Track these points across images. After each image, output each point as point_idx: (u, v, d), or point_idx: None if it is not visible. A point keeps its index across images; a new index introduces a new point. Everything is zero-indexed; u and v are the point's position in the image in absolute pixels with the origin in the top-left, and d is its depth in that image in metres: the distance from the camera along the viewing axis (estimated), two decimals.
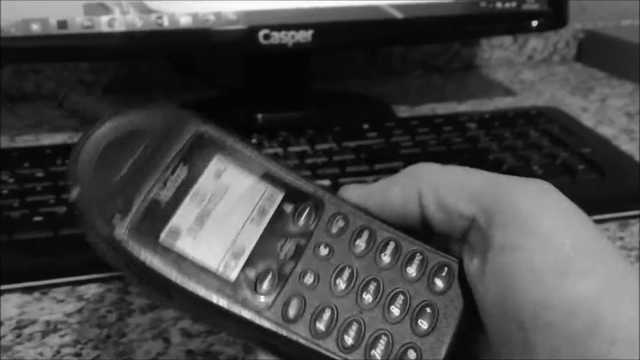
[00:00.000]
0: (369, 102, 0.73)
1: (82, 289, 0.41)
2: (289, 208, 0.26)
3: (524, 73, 0.84)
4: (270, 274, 0.25)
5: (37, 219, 0.44)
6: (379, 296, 0.25)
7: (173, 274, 0.24)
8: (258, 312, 0.24)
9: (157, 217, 0.24)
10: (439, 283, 0.26)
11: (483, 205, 0.24)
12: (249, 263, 0.25)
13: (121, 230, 0.24)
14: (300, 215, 0.26)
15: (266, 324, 0.24)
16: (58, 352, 0.36)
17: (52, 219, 0.44)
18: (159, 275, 0.24)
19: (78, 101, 0.29)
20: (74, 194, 0.24)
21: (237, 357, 0.35)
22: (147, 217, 0.24)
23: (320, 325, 0.24)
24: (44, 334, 0.37)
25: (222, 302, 0.24)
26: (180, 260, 0.24)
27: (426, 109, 0.71)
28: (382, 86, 0.79)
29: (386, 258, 0.26)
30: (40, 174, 0.49)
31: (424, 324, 0.25)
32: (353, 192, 0.28)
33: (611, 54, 0.84)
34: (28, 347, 0.36)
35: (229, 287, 0.24)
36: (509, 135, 0.57)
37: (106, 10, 0.55)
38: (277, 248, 0.25)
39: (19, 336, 0.37)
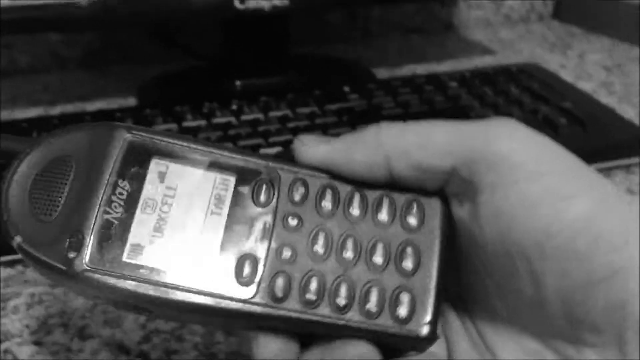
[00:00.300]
0: (349, 65, 0.72)
1: None
2: (245, 189, 0.25)
3: (502, 32, 0.84)
4: (247, 260, 0.24)
5: None
6: (358, 250, 0.25)
7: (149, 291, 0.23)
8: (245, 301, 0.24)
9: (113, 240, 0.23)
10: (412, 220, 0.26)
11: (461, 157, 0.24)
12: (222, 256, 0.24)
13: (81, 265, 0.23)
14: (258, 193, 0.25)
15: (257, 309, 0.24)
16: (44, 323, 0.35)
17: None
18: (135, 296, 0.23)
19: None
20: (16, 243, 0.23)
21: None
22: (102, 242, 0.23)
23: (310, 295, 0.24)
24: (29, 306, 0.37)
25: (207, 302, 0.23)
26: (151, 274, 0.23)
27: (406, 71, 0.71)
28: (362, 49, 0.78)
29: (355, 211, 0.26)
30: None
31: (408, 265, 0.25)
32: (311, 153, 0.26)
33: (588, 11, 0.84)
34: (14, 320, 0.36)
35: (210, 286, 0.24)
36: (490, 93, 0.57)
37: None
38: (246, 232, 0.25)
39: (3, 309, 0.36)
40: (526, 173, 0.24)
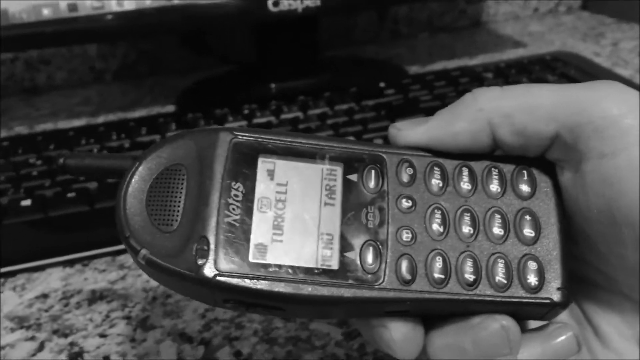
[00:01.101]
0: (381, 65, 0.73)
1: (121, 258, 0.41)
2: (354, 177, 0.25)
3: (531, 25, 0.84)
4: (369, 247, 0.24)
5: (71, 195, 0.44)
6: (476, 224, 0.25)
7: (281, 288, 0.23)
8: (375, 288, 0.24)
9: (237, 242, 0.24)
10: (525, 188, 0.25)
11: (566, 121, 0.24)
12: (343, 246, 0.24)
13: (212, 270, 0.23)
14: (368, 179, 0.25)
15: (389, 294, 0.24)
16: (107, 316, 0.36)
17: (85, 194, 0.44)
18: (268, 295, 0.23)
19: (81, 162, 0.27)
20: (143, 256, 0.23)
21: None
22: (228, 246, 0.23)
23: (438, 274, 0.24)
24: (91, 301, 0.38)
25: (338, 294, 0.23)
26: (280, 272, 0.23)
27: (438, 67, 0.71)
28: (392, 50, 0.78)
29: (465, 185, 0.25)
30: None
31: (530, 232, 0.25)
32: (411, 136, 0.26)
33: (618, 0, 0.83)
34: (77, 315, 0.37)
35: (337, 277, 0.24)
36: (527, 82, 0.57)
37: None
38: (362, 220, 0.25)
39: (66, 305, 0.37)
40: (636, 138, 0.22)
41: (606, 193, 0.23)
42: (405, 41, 0.82)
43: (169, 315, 0.36)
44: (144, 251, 0.23)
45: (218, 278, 0.23)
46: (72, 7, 0.55)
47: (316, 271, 0.24)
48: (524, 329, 0.25)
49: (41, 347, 0.34)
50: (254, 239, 0.24)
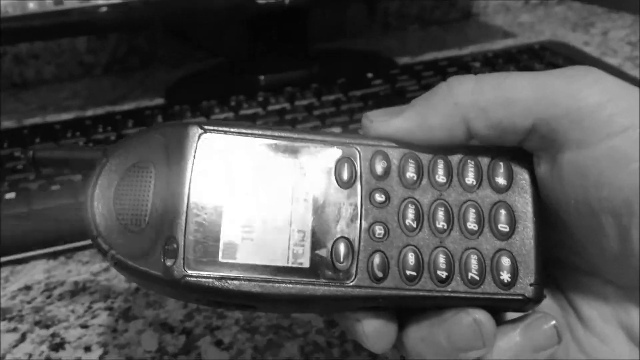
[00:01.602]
0: (371, 56, 0.73)
1: None
2: (326, 171, 0.25)
3: (522, 16, 0.84)
4: (341, 243, 0.24)
5: (55, 187, 0.44)
6: (451, 218, 0.24)
7: (251, 289, 0.23)
8: (347, 285, 0.23)
9: (206, 241, 0.23)
10: (501, 180, 0.25)
11: (542, 114, 0.23)
12: (315, 243, 0.24)
13: (180, 271, 0.22)
14: (340, 172, 0.25)
15: (359, 292, 0.23)
16: (90, 307, 0.36)
17: (69, 187, 0.44)
18: (238, 295, 0.23)
19: (50, 155, 0.27)
20: (111, 257, 0.23)
21: None
22: (197, 246, 0.23)
23: (410, 271, 0.24)
24: (73, 293, 0.37)
25: (309, 293, 0.23)
26: (250, 271, 0.23)
27: (427, 59, 0.71)
28: (382, 42, 0.78)
29: (440, 178, 0.25)
30: None
31: (504, 227, 0.24)
32: (383, 128, 0.25)
33: None
34: (59, 306, 0.36)
35: (308, 275, 0.23)
36: (515, 71, 0.57)
37: None
38: (335, 215, 0.24)
39: (49, 297, 0.37)
40: (616, 127, 0.22)
41: (584, 184, 0.23)
42: (395, 33, 0.82)
43: (152, 306, 0.36)
44: (112, 252, 0.23)
45: (187, 279, 0.23)
46: (58, 1, 0.55)
47: (287, 270, 0.23)
48: (502, 320, 0.25)
49: (23, 339, 0.34)
50: (224, 237, 0.23)
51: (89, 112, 0.64)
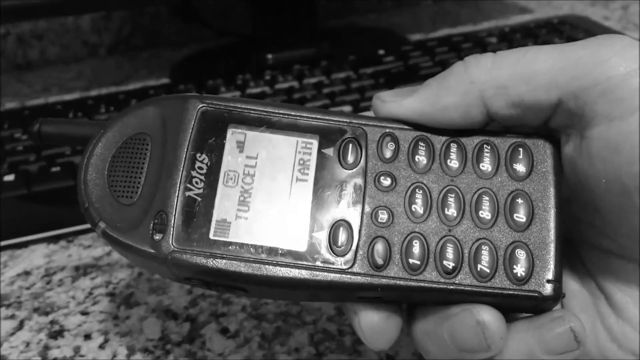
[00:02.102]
0: (382, 33, 0.70)
1: None
2: (330, 151, 0.23)
3: None
4: (341, 227, 0.22)
5: (55, 169, 0.42)
6: (462, 206, 0.23)
7: (241, 269, 0.22)
8: (343, 271, 0.22)
9: (198, 217, 0.22)
10: (520, 168, 0.23)
11: (568, 87, 0.21)
12: (312, 225, 0.22)
13: (168, 246, 0.22)
14: (344, 153, 0.23)
15: (357, 279, 0.22)
16: (90, 293, 0.35)
17: (70, 169, 0.42)
18: (227, 275, 0.22)
19: (55, 129, 0.26)
20: (100, 229, 0.22)
21: None
22: (187, 221, 0.22)
23: (414, 260, 0.22)
24: (74, 278, 0.36)
25: (302, 276, 0.22)
26: (241, 251, 0.22)
27: (441, 35, 0.69)
28: (394, 18, 0.76)
29: (453, 163, 0.23)
30: None
31: (520, 217, 0.22)
32: (395, 109, 0.24)
33: None
34: (59, 292, 0.35)
35: (303, 259, 0.22)
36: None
37: None
38: (336, 197, 0.23)
39: (48, 282, 0.36)
40: None
41: (616, 160, 0.21)
42: (407, 9, 0.79)
43: (155, 292, 0.34)
44: (101, 224, 0.22)
45: (174, 255, 0.22)
46: None
47: (281, 252, 0.22)
48: (514, 317, 0.23)
49: (21, 326, 0.33)
50: (217, 214, 0.22)
51: (94, 93, 0.63)
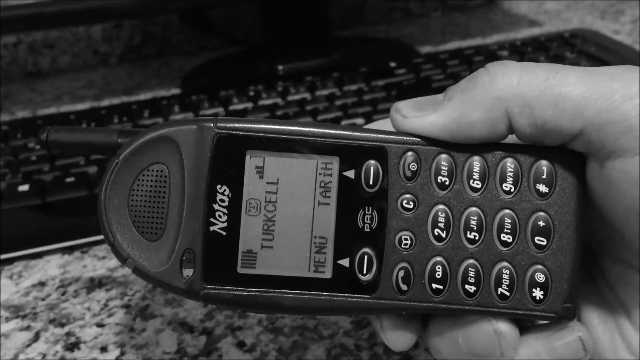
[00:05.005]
0: (392, 44, 0.71)
1: None
2: (351, 173, 0.23)
3: (548, 3, 0.81)
4: (366, 254, 0.23)
5: (69, 180, 0.42)
6: (484, 227, 0.23)
7: (270, 300, 0.22)
8: (370, 298, 0.23)
9: (224, 251, 0.22)
10: (542, 186, 0.23)
11: (595, 119, 0.21)
12: (337, 252, 0.23)
13: (199, 285, 0.22)
14: (367, 176, 0.23)
15: (382, 304, 0.22)
16: (106, 305, 0.35)
17: (84, 179, 0.42)
18: (258, 307, 0.23)
19: (64, 137, 0.25)
20: (132, 267, 0.23)
21: None
22: (214, 256, 0.22)
23: (437, 284, 0.22)
24: (89, 289, 0.36)
25: (331, 305, 0.22)
26: (269, 283, 0.22)
27: (451, 47, 0.69)
28: (404, 29, 0.76)
29: (476, 183, 0.23)
30: None
31: (541, 240, 0.22)
32: (418, 122, 0.23)
33: None
34: (75, 303, 0.35)
35: (330, 288, 0.22)
36: (545, 60, 0.54)
37: None
38: (359, 222, 0.23)
39: (64, 294, 0.36)
40: None
41: (635, 194, 0.21)
42: (417, 20, 0.79)
43: (170, 304, 0.34)
44: (130, 261, 0.23)
45: (205, 292, 0.22)
46: None
47: (308, 281, 0.22)
48: (524, 325, 0.24)
49: (36, 338, 0.33)
50: (242, 246, 0.23)
51: (105, 102, 0.63)
